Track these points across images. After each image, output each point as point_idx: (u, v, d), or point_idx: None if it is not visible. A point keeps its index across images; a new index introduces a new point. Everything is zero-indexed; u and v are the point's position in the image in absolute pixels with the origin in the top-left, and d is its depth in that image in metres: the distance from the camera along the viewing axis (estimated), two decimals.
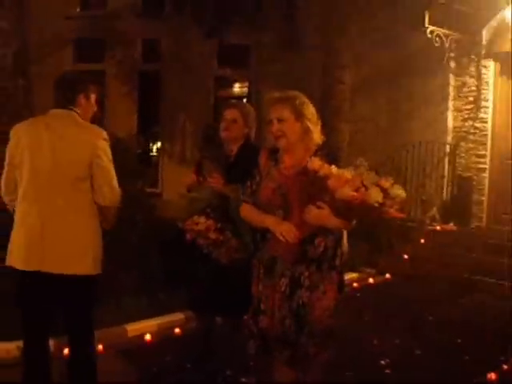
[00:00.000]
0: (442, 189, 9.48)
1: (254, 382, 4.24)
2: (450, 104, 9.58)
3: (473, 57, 9.27)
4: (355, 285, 7.31)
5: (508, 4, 8.63)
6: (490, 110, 9.22)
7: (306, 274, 3.16)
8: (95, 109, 3.59)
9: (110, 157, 3.38)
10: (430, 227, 8.86)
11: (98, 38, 11.67)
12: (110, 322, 5.04)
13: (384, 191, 2.86)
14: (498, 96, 9.19)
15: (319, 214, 3.00)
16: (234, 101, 5.04)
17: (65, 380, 3.51)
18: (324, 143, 3.29)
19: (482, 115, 9.26)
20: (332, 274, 3.21)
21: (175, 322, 5.49)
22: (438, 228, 8.83)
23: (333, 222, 3.02)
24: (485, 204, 9.21)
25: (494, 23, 9.10)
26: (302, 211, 3.05)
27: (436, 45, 8.74)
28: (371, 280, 7.65)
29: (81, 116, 3.44)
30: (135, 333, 5.23)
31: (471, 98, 9.35)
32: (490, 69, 9.22)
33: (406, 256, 8.15)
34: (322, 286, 3.17)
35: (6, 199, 3.50)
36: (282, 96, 3.26)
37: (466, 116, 9.42)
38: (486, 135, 9.24)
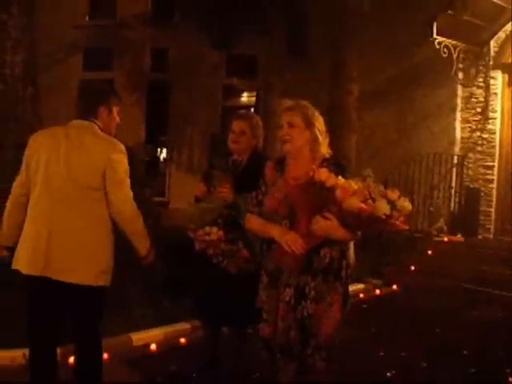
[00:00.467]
0: (450, 200, 9.46)
1: None
2: (458, 115, 9.58)
3: (481, 68, 9.27)
4: (362, 296, 7.27)
5: None
6: (498, 121, 9.23)
7: (312, 284, 3.15)
8: (117, 121, 3.54)
9: (126, 170, 3.36)
10: (437, 238, 8.83)
11: (107, 46, 11.74)
12: (115, 330, 5.03)
13: (391, 203, 2.87)
14: (506, 107, 9.18)
15: (326, 225, 3.01)
16: (242, 111, 5.02)
17: None
18: (331, 154, 3.30)
19: (489, 126, 9.25)
20: (337, 285, 3.20)
21: (181, 331, 5.47)
22: (446, 239, 8.80)
23: (339, 233, 3.03)
24: (492, 215, 9.19)
25: (502, 34, 9.11)
26: (309, 222, 3.05)
27: (444, 56, 8.75)
28: (378, 291, 7.60)
29: (102, 128, 3.42)
30: (141, 342, 5.21)
31: (479, 109, 9.36)
32: (498, 80, 9.23)
33: (413, 267, 8.11)
34: (329, 297, 3.17)
35: (19, 199, 3.48)
36: (294, 104, 3.30)
37: (474, 127, 9.41)
38: (493, 146, 9.23)
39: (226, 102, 12.24)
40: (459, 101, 9.56)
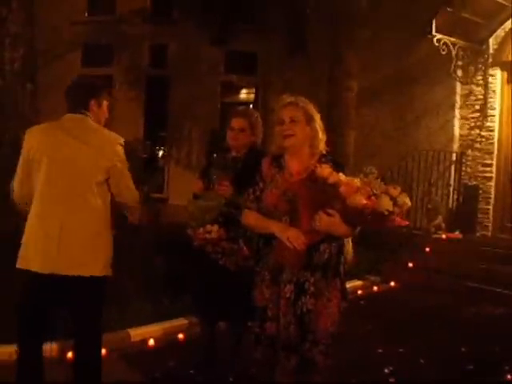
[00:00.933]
0: (448, 197, 9.46)
1: None
2: (457, 112, 9.57)
3: (480, 65, 9.27)
4: (360, 292, 7.29)
5: None
6: (497, 119, 9.21)
7: (312, 280, 3.16)
8: (107, 116, 3.60)
9: (126, 162, 3.44)
10: (435, 235, 8.83)
11: (106, 42, 11.73)
12: (113, 326, 5.04)
13: (393, 199, 2.89)
14: (505, 105, 9.18)
15: (330, 222, 3.01)
16: (241, 108, 5.01)
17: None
18: (330, 151, 3.31)
19: (488, 124, 9.25)
20: (336, 281, 3.21)
21: (179, 327, 5.48)
22: (444, 236, 8.80)
23: (341, 229, 3.04)
24: (491, 212, 9.19)
25: (501, 32, 9.10)
26: (310, 218, 3.05)
27: (443, 53, 8.74)
28: (376, 288, 7.62)
29: (92, 121, 3.45)
30: (139, 337, 5.23)
31: (478, 107, 9.35)
32: (497, 77, 9.22)
33: (410, 264, 8.12)
34: (328, 293, 3.17)
35: (18, 200, 3.49)
36: (295, 99, 3.29)
37: (473, 124, 9.41)
38: (492, 144, 9.23)
39: (224, 99, 12.24)
40: (458, 98, 9.56)
